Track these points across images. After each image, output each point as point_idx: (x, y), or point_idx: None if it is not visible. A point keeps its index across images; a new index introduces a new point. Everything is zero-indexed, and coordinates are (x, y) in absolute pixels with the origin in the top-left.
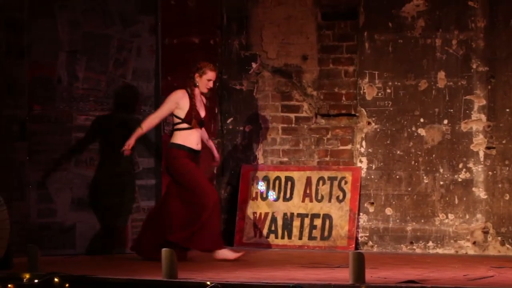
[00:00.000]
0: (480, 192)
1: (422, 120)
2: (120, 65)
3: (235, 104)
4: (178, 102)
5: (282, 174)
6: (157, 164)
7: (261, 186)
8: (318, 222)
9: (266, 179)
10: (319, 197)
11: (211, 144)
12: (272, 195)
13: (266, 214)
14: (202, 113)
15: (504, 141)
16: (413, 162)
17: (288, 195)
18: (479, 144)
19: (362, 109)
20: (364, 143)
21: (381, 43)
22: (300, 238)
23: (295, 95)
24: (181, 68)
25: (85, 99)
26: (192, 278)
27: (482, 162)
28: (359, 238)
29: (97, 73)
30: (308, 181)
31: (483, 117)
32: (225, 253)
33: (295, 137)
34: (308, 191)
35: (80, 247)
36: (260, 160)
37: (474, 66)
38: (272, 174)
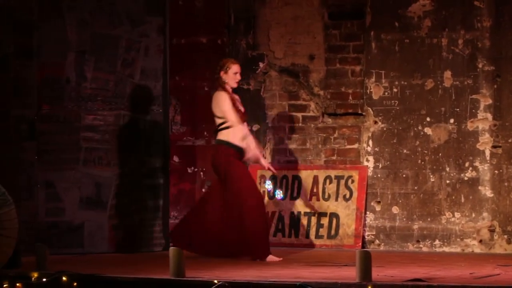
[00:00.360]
0: (486, 191)
1: (428, 119)
2: (128, 65)
3: (243, 104)
4: (228, 100)
5: (289, 173)
6: (165, 163)
7: (269, 185)
8: (325, 220)
9: (273, 178)
10: (326, 196)
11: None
12: (279, 194)
13: (274, 212)
14: (242, 108)
15: (510, 140)
16: (419, 161)
17: (295, 194)
18: (485, 143)
19: (369, 108)
20: (370, 142)
21: (387, 42)
22: (307, 237)
23: (302, 95)
24: (189, 68)
25: (93, 99)
26: (200, 277)
27: (488, 161)
28: (366, 237)
29: (106, 73)
30: (315, 180)
31: (489, 116)
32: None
33: (302, 136)
34: (315, 190)
35: (88, 246)
36: (268, 159)
37: (480, 66)
38: (280, 173)
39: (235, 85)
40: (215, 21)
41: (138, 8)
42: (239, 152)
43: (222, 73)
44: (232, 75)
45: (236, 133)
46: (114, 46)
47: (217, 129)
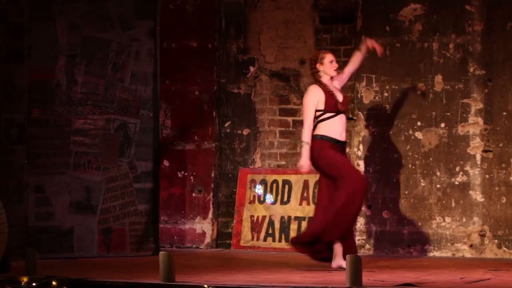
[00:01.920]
0: (477, 195)
1: (419, 123)
2: (119, 69)
3: (233, 108)
4: (317, 98)
5: (280, 178)
6: (155, 167)
7: (259, 190)
8: None
9: (263, 182)
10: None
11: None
12: (269, 198)
13: (264, 217)
14: (340, 97)
15: (501, 144)
16: (410, 165)
17: (285, 199)
18: (476, 147)
19: (360, 112)
20: (361, 147)
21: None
22: None
23: (293, 99)
24: (180, 72)
25: (83, 103)
26: (190, 281)
27: (479, 165)
28: (356, 241)
29: (96, 77)
30: (306, 184)
31: (480, 120)
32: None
33: (292, 140)
34: (305, 195)
35: (78, 250)
36: (258, 164)
37: (471, 70)
38: (270, 178)
39: (334, 73)
40: (206, 25)
41: (128, 12)
42: (337, 143)
43: (318, 65)
44: (328, 64)
45: (331, 125)
46: (104, 50)
47: (316, 122)
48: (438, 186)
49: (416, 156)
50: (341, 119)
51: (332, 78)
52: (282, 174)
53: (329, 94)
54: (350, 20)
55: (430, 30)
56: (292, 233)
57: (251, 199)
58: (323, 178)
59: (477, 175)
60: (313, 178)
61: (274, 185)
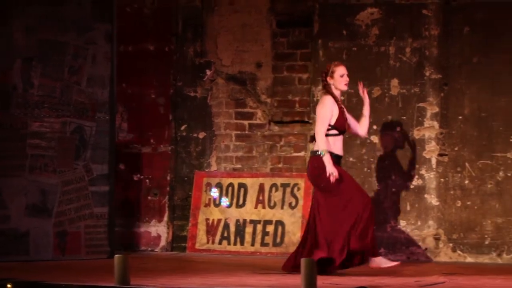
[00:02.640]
0: (432, 199)
1: (375, 127)
2: (75, 72)
3: (189, 111)
4: (332, 109)
5: (235, 181)
6: (111, 170)
7: (214, 193)
8: (270, 228)
9: (219, 185)
10: (272, 204)
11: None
12: (225, 201)
13: (219, 220)
14: (346, 117)
15: (456, 148)
16: (365, 169)
17: (241, 202)
18: (431, 151)
19: (316, 116)
20: None
21: (335, 50)
22: (253, 245)
23: (249, 102)
24: (136, 75)
25: (40, 106)
26: (145, 285)
27: (434, 169)
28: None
29: (53, 80)
30: (261, 187)
31: (436, 124)
32: (380, 261)
33: (248, 144)
34: (261, 198)
35: (33, 253)
36: (214, 167)
37: (427, 74)
38: (225, 181)
39: (344, 88)
40: (163, 29)
41: (85, 15)
42: (338, 159)
43: (328, 78)
44: (338, 78)
45: (334, 142)
46: (61, 53)
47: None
48: (394, 189)
49: (372, 159)
50: (341, 138)
51: (341, 94)
52: (237, 177)
53: (341, 111)
54: (307, 24)
55: (387, 34)
56: (248, 236)
57: (207, 202)
58: (318, 195)
59: (433, 178)
60: (269, 182)
61: (230, 188)
